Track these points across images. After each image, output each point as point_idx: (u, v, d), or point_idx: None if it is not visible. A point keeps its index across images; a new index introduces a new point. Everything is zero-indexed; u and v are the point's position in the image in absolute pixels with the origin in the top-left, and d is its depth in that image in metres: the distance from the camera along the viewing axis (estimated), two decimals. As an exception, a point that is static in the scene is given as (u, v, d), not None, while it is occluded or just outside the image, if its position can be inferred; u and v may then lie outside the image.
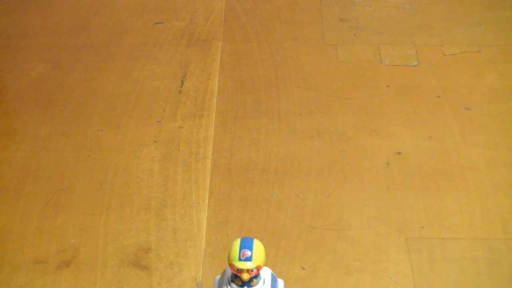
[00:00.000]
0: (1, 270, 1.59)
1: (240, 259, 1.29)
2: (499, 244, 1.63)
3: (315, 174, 1.81)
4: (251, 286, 1.33)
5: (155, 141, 1.92)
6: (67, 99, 2.07)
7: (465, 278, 1.56)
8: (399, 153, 1.87)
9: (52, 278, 1.58)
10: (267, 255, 1.61)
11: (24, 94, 2.09)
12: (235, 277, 1.32)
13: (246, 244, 1.30)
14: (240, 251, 1.29)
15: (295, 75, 2.14)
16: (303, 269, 1.59)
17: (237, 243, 1.30)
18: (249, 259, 1.29)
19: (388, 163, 1.84)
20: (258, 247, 1.30)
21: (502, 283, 1.55)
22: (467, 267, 1.59)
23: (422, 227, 1.68)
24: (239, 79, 2.13)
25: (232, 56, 2.22)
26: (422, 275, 1.57)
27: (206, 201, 1.75)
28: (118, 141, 1.92)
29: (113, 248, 1.64)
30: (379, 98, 2.05)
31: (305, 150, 1.88)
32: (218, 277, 1.40)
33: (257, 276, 1.33)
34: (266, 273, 1.38)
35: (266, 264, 1.47)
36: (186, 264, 1.60)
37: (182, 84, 2.11)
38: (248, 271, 1.29)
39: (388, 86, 2.10)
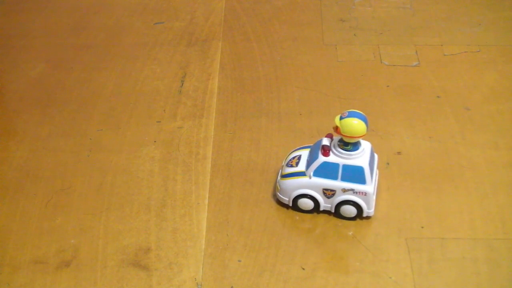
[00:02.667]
0: (1, 270, 1.59)
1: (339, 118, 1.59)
2: (499, 244, 1.63)
3: (315, 174, 1.81)
4: (347, 150, 1.60)
5: (155, 141, 1.92)
6: (67, 99, 2.07)
7: (465, 278, 1.56)
8: (399, 153, 1.87)
9: (52, 278, 1.58)
10: (267, 255, 1.62)
11: (24, 94, 2.09)
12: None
13: (352, 112, 1.58)
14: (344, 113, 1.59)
15: (295, 75, 2.14)
16: (303, 269, 1.59)
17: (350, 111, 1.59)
18: (341, 118, 1.58)
19: (388, 163, 1.84)
20: (355, 120, 1.57)
21: (502, 283, 1.56)
22: (467, 267, 1.59)
23: (422, 227, 1.68)
24: (239, 79, 2.13)
25: (232, 56, 2.22)
26: (422, 275, 1.57)
27: (206, 201, 1.75)
28: (118, 141, 1.92)
29: (113, 248, 1.64)
30: (379, 98, 2.05)
31: (305, 150, 1.88)
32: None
33: (354, 145, 1.60)
34: (366, 146, 1.64)
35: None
36: (186, 264, 1.60)
37: (182, 84, 2.11)
38: (336, 128, 1.58)
39: (388, 86, 2.10)
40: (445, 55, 2.21)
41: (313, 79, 2.13)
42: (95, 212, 1.72)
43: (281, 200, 1.71)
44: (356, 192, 1.62)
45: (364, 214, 1.66)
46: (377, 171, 1.72)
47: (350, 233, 1.66)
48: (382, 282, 1.56)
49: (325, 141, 1.63)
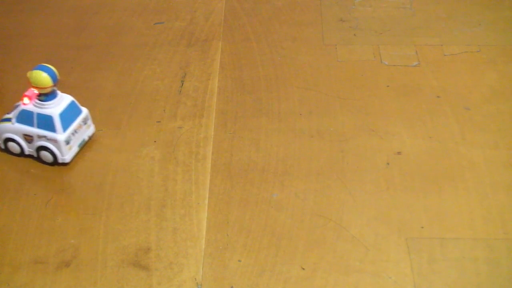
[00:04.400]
0: (1, 270, 1.59)
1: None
2: (499, 244, 1.63)
3: (315, 174, 1.81)
4: (41, 100, 1.79)
5: (155, 141, 1.92)
6: (67, 99, 2.07)
7: (465, 278, 1.56)
8: (399, 153, 1.87)
9: (52, 278, 1.58)
10: (267, 255, 1.62)
11: (24, 94, 2.09)
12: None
13: (41, 66, 1.76)
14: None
15: (295, 75, 2.14)
16: (303, 269, 1.59)
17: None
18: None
19: (388, 163, 1.84)
20: (42, 73, 1.74)
21: (502, 283, 1.56)
22: (467, 267, 1.59)
23: (422, 227, 1.68)
24: (239, 79, 2.13)
25: (232, 56, 2.22)
26: (422, 275, 1.57)
27: (206, 201, 1.75)
28: (118, 141, 1.92)
29: (113, 248, 1.64)
30: (379, 98, 2.05)
31: (305, 150, 1.88)
32: None
33: (47, 96, 1.78)
34: (66, 99, 1.82)
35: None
36: (186, 264, 1.60)
37: (182, 84, 2.11)
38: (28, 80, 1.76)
39: (388, 86, 2.10)
40: (445, 55, 2.21)
41: (313, 79, 2.13)
42: (95, 212, 1.72)
43: None
44: (49, 139, 1.80)
45: (59, 161, 1.82)
46: (93, 126, 1.91)
47: (350, 233, 1.66)
48: (382, 282, 1.56)
49: (29, 91, 1.79)
